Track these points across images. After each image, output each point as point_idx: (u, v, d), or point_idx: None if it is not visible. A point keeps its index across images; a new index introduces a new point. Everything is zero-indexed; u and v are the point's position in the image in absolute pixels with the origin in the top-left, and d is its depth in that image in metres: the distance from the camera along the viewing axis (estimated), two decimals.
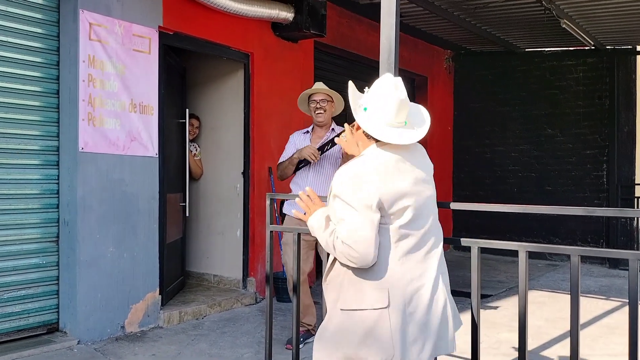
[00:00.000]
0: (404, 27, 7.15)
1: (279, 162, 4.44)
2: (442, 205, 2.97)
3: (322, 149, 4.22)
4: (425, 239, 2.07)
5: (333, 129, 4.40)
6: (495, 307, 5.48)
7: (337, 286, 2.08)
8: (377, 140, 2.08)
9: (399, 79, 2.15)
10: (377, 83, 2.15)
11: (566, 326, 4.68)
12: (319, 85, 4.38)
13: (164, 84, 4.79)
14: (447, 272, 2.20)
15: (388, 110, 2.05)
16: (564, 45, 7.98)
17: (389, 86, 2.09)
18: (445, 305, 2.08)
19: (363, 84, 2.31)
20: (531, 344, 4.33)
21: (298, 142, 4.42)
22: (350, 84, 2.22)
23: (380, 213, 1.97)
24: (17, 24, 3.99)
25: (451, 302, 2.15)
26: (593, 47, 7.74)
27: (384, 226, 2.00)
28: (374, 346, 1.95)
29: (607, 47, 7.82)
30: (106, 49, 4.33)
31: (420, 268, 2.04)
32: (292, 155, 4.26)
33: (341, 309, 2.04)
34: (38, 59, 4.14)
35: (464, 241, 2.58)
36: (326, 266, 2.21)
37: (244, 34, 5.51)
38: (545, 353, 4.14)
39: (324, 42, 6.38)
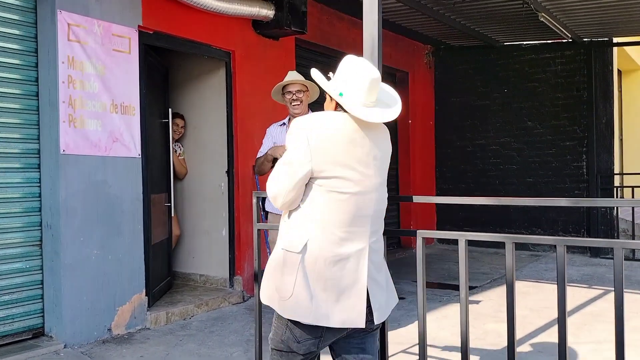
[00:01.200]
0: (385, 23, 7.17)
1: (257, 156, 4.41)
2: (428, 199, 3.00)
3: None
4: (359, 213, 2.09)
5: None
6: (480, 299, 5.54)
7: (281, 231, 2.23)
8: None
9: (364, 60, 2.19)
10: (347, 66, 2.16)
11: (551, 315, 4.78)
12: (294, 76, 4.24)
13: (145, 84, 4.75)
14: (385, 265, 2.28)
15: (361, 91, 2.08)
16: (542, 39, 8.08)
17: (359, 67, 2.12)
18: (371, 276, 2.10)
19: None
20: (517, 334, 4.39)
21: (275, 135, 4.37)
22: (316, 72, 2.21)
23: (314, 172, 2.06)
24: None
25: (382, 275, 2.19)
26: (570, 40, 7.84)
27: (317, 185, 2.08)
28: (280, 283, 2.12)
29: (584, 39, 7.93)
30: (85, 50, 4.28)
31: (347, 238, 2.07)
32: (267, 152, 4.20)
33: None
34: (16, 61, 4.08)
35: (451, 234, 2.62)
36: None
37: (225, 32, 5.49)
38: (532, 342, 4.21)
39: (305, 39, 6.38)
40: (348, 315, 2.05)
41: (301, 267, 2.05)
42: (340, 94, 2.10)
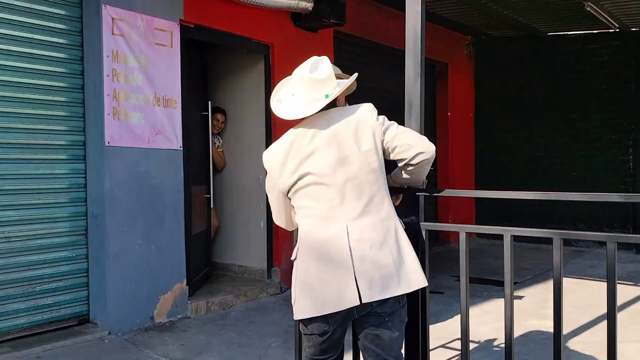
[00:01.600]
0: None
1: None
2: (463, 193, 2.93)
3: None
4: (332, 196, 2.16)
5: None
6: (522, 295, 5.44)
7: None
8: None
9: (315, 59, 2.31)
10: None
11: (595, 313, 4.66)
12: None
13: (186, 77, 4.81)
14: (400, 244, 2.20)
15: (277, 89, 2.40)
16: (588, 29, 7.83)
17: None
18: (361, 255, 2.11)
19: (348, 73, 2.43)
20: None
21: None
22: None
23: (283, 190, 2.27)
24: (40, 21, 4.04)
25: (385, 253, 2.14)
26: (617, 30, 7.58)
27: (292, 196, 2.26)
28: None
29: (632, 29, 7.65)
30: (129, 43, 4.36)
31: (327, 224, 2.16)
32: None
33: None
34: (62, 55, 4.19)
35: (496, 229, 2.56)
36: None
37: (264, 25, 5.51)
38: (576, 340, 4.10)
39: (343, 31, 6.35)
40: (327, 299, 2.12)
41: (295, 272, 2.25)
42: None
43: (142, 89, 4.44)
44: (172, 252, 4.61)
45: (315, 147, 2.18)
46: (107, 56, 4.22)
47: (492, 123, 8.87)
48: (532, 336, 4.16)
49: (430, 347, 3.60)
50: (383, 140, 2.20)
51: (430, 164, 2.27)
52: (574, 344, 4.02)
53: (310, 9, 5.63)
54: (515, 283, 5.88)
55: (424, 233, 2.59)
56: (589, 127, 8.06)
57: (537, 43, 8.37)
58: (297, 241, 2.30)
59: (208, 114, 5.48)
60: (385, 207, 2.19)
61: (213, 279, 5.73)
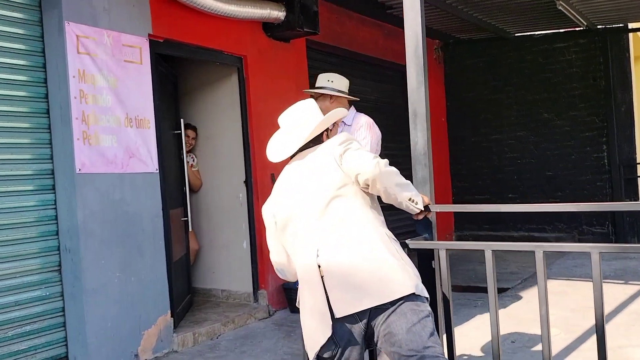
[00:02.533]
0: (393, 18, 6.98)
1: None
2: (442, 208, 2.83)
3: None
4: (309, 223, 2.23)
5: (343, 122, 4.19)
6: (518, 302, 5.33)
7: None
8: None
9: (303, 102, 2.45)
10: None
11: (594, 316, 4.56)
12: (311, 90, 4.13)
13: (158, 95, 4.53)
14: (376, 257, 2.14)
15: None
16: (555, 28, 7.87)
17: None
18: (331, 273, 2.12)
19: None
20: (564, 338, 4.18)
21: None
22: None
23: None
24: None
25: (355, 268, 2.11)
26: (585, 28, 7.64)
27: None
28: None
29: (598, 26, 7.72)
30: (96, 62, 4.06)
31: (307, 246, 2.22)
32: None
33: None
34: (23, 78, 3.86)
35: (476, 244, 2.44)
36: None
37: (236, 36, 5.28)
38: (583, 347, 3.98)
39: (315, 40, 6.17)
40: (313, 333, 2.14)
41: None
42: None
43: (112, 110, 4.14)
44: (153, 282, 4.31)
45: (291, 184, 2.34)
46: (74, 76, 3.91)
47: (465, 126, 8.83)
48: (539, 347, 4.02)
49: None
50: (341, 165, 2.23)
51: (386, 180, 2.22)
52: (581, 352, 3.90)
53: (283, 18, 5.44)
54: (506, 289, 5.83)
55: (443, 254, 2.41)
56: (561, 126, 8.09)
57: (505, 44, 8.38)
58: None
59: (181, 132, 5.20)
60: (361, 228, 2.16)
61: (195, 306, 5.43)
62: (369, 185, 2.19)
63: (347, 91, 3.97)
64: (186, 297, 5.23)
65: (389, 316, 2.05)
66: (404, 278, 2.06)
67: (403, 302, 2.05)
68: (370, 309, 2.04)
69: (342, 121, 4.21)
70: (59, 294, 3.94)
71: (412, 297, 2.07)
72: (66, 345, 3.94)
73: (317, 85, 4.08)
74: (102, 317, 3.94)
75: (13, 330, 3.67)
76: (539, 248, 2.19)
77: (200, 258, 5.88)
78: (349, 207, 2.19)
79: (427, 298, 2.13)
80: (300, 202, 2.26)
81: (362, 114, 4.07)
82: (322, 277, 2.11)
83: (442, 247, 2.42)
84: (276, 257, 2.42)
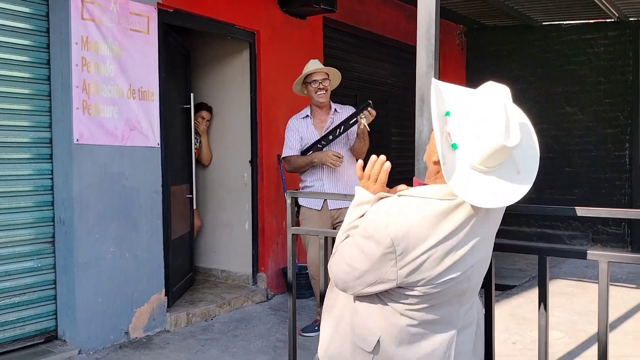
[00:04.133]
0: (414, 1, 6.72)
1: (286, 155, 4.22)
2: None
3: (332, 135, 4.05)
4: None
5: (335, 110, 4.23)
6: (522, 301, 5.16)
7: None
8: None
9: (507, 93, 1.47)
10: (478, 99, 1.47)
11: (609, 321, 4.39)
12: (316, 64, 4.16)
13: (164, 67, 4.38)
14: None
15: (478, 148, 1.42)
16: (585, 18, 7.54)
17: (494, 111, 1.41)
18: None
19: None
20: (569, 343, 4.03)
21: (302, 129, 4.20)
22: (435, 84, 1.53)
23: None
24: (1, 3, 3.58)
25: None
26: (616, 20, 7.30)
27: None
28: None
29: (631, 19, 7.37)
30: (101, 29, 3.92)
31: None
32: (312, 159, 4.05)
33: None
34: (26, 42, 3.74)
35: None
36: None
37: (250, 10, 5.09)
38: (586, 354, 3.82)
39: (333, 18, 5.96)
40: None
41: None
42: (454, 146, 1.46)
43: (115, 80, 4.01)
44: (148, 259, 4.21)
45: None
46: (76, 43, 3.77)
47: None
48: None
49: None
50: None
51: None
52: (585, 359, 3.75)
53: None
54: (512, 286, 5.65)
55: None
56: (583, 120, 7.80)
57: (531, 33, 8.06)
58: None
59: (190, 107, 5.05)
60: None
61: (195, 285, 5.34)
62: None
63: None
64: (186, 275, 5.13)
65: None
66: None
67: None
68: None
69: (335, 109, 4.19)
70: (52, 266, 3.86)
71: None
72: (56, 319, 3.87)
73: (315, 67, 4.12)
74: (93, 292, 3.86)
75: (1, 300, 3.60)
76: (542, 252, 2.03)
77: (203, 236, 5.78)
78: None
79: None
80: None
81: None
82: None
83: None
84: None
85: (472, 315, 1.68)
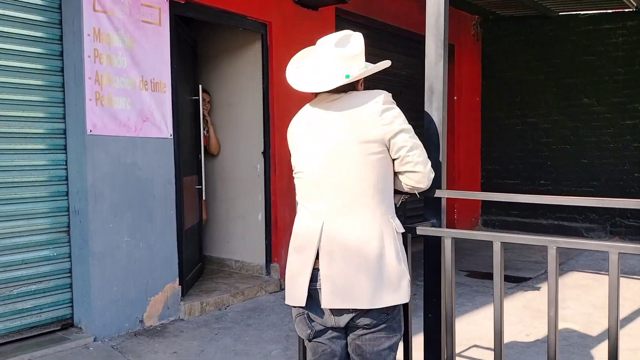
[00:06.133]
0: None
1: None
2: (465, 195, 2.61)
3: None
4: (315, 192, 2.00)
5: None
6: (537, 293, 5.12)
7: None
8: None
9: (346, 33, 2.03)
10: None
11: (620, 313, 4.33)
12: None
13: (176, 59, 4.41)
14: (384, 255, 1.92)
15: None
16: (603, 8, 7.42)
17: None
18: (332, 257, 1.92)
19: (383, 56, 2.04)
20: (583, 337, 3.98)
21: None
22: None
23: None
24: None
25: (359, 260, 1.90)
26: (635, 9, 7.17)
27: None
28: None
29: None
30: (112, 21, 3.95)
31: (306, 216, 2.02)
32: None
33: None
34: (39, 34, 3.79)
35: (484, 235, 2.24)
36: None
37: (261, 1, 5.10)
38: (601, 347, 3.78)
39: (345, 9, 5.94)
40: (295, 293, 1.99)
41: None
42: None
43: (127, 72, 4.05)
44: (163, 249, 4.25)
45: (310, 133, 2.03)
46: (88, 35, 3.81)
47: (499, 108, 8.49)
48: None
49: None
50: (388, 145, 1.94)
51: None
52: (602, 352, 3.70)
53: None
54: (528, 279, 5.61)
55: (448, 242, 2.24)
56: (601, 112, 7.69)
57: (548, 23, 7.96)
58: None
59: (198, 99, 5.08)
60: (373, 211, 1.92)
61: (208, 275, 5.39)
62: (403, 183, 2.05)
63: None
64: (197, 265, 5.17)
65: (366, 332, 1.97)
66: (395, 287, 1.93)
67: (391, 319, 1.97)
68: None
69: None
70: (67, 255, 3.92)
71: (391, 310, 1.96)
72: (72, 306, 3.93)
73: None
74: (108, 281, 3.91)
75: (18, 288, 3.67)
76: (553, 244, 2.00)
77: (217, 227, 5.82)
78: (368, 185, 1.91)
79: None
80: (306, 158, 2.01)
81: None
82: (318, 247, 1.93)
83: (447, 236, 2.25)
84: None
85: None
